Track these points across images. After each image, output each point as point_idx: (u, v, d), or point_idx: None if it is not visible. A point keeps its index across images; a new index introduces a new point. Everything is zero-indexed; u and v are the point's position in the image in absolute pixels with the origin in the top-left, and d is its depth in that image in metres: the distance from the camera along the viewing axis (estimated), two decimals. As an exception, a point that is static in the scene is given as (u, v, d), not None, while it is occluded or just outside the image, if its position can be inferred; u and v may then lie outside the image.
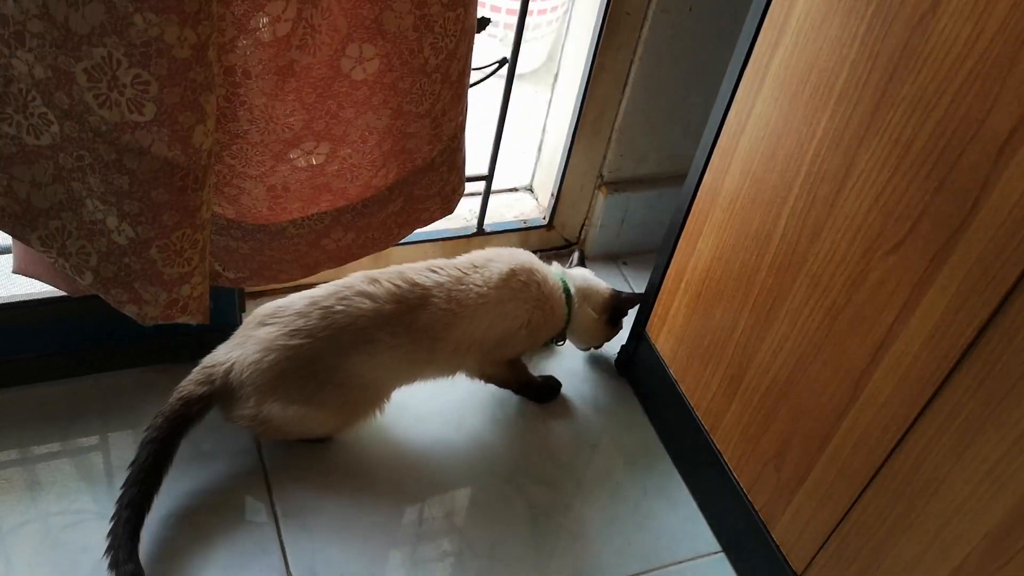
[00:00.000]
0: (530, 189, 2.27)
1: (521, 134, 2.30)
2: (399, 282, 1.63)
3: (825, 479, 1.44)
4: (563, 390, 1.96)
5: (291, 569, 1.53)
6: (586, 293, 1.90)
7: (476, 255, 1.77)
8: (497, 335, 1.73)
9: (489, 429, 1.85)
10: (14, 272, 1.44)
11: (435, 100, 1.36)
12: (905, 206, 1.21)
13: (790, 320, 1.46)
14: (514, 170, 2.27)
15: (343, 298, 1.60)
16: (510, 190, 2.26)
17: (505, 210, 2.19)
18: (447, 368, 1.76)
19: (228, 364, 1.57)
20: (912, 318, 1.22)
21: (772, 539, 1.57)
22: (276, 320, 1.59)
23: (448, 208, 1.62)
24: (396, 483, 1.71)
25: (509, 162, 2.22)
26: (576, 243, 2.27)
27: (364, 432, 1.76)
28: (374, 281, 1.63)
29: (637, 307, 1.94)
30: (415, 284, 1.64)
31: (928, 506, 1.26)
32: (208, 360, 1.60)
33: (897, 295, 1.24)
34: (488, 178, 1.99)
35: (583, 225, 2.24)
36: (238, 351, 1.58)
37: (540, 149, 2.19)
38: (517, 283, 1.73)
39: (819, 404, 1.42)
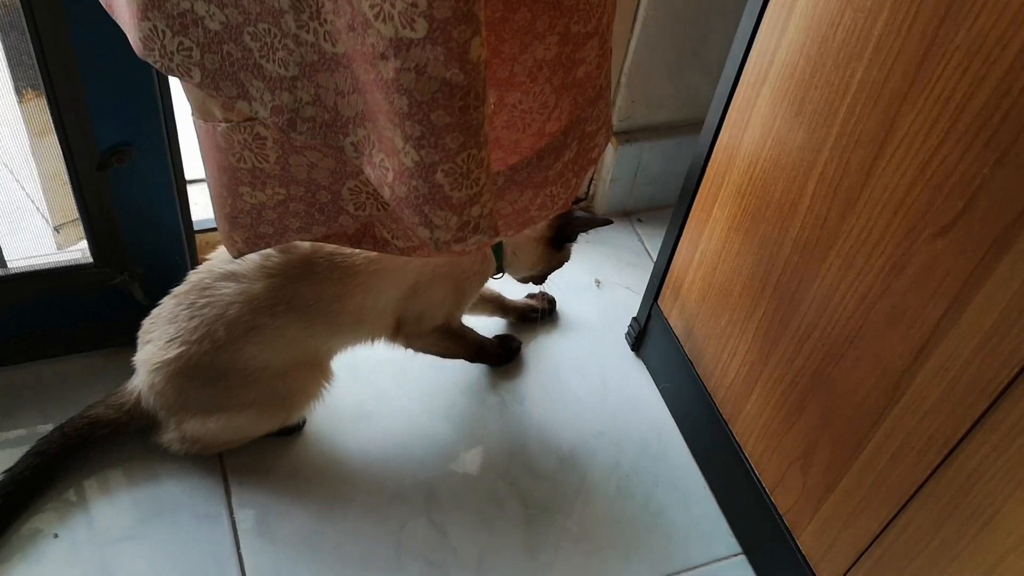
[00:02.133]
0: (533, 139, 2.04)
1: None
2: (268, 252, 1.39)
3: (858, 489, 1.24)
4: (566, 369, 1.77)
5: (250, 586, 1.37)
6: None
7: None
8: (405, 304, 1.48)
9: (481, 417, 1.67)
10: (238, 256, 1.25)
11: (602, 12, 1.15)
12: (957, 180, 0.98)
13: (818, 306, 1.24)
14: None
15: (205, 288, 1.38)
16: (511, 140, 2.03)
17: (504, 164, 1.97)
18: (360, 338, 1.51)
19: (136, 393, 1.42)
20: (964, 315, 1.01)
21: (798, 547, 1.38)
22: (151, 335, 1.41)
23: (609, 134, 1.37)
24: (373, 483, 1.53)
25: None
26: (584, 199, 2.04)
27: (336, 424, 1.59)
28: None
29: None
30: (287, 251, 1.39)
31: (981, 535, 1.07)
32: (122, 387, 1.45)
33: (946, 287, 1.03)
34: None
35: (592, 179, 2.02)
36: (136, 379, 1.43)
37: (543, 94, 1.95)
38: None
39: (852, 404, 1.22)
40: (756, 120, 1.31)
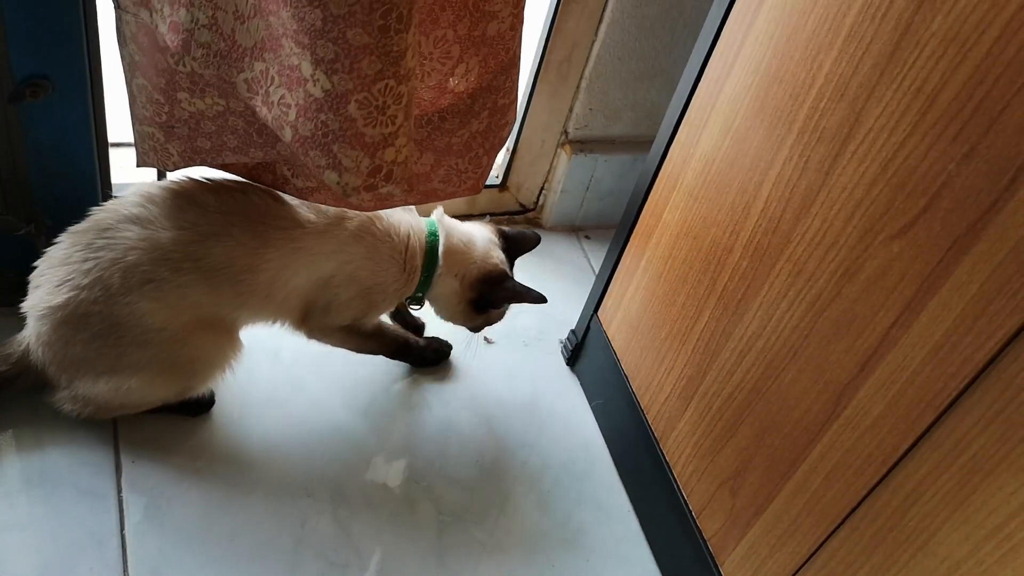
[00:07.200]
0: (486, 142, 1.98)
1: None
2: (182, 202, 1.26)
3: (788, 512, 1.18)
4: (497, 378, 1.69)
5: (129, 570, 1.24)
6: (461, 257, 1.47)
7: None
8: (315, 293, 1.38)
9: (402, 417, 1.58)
10: (173, 169, 1.27)
11: None
12: (921, 177, 0.93)
13: (764, 314, 1.18)
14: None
15: (106, 229, 1.24)
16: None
17: (453, 164, 1.90)
18: (265, 316, 1.40)
19: (25, 344, 1.30)
20: (916, 322, 0.96)
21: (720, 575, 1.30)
22: (41, 277, 1.28)
23: (515, 110, 1.28)
24: (277, 474, 1.42)
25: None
26: (533, 209, 1.98)
27: (245, 409, 1.49)
28: (149, 200, 1.26)
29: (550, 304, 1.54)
30: (203, 206, 1.26)
31: (914, 562, 1.00)
32: (11, 338, 1.33)
33: (899, 292, 0.97)
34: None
35: (542, 188, 1.96)
36: (26, 328, 1.31)
37: (499, 96, 1.89)
38: (345, 232, 1.34)
39: (789, 420, 1.15)
40: (716, 118, 1.26)
